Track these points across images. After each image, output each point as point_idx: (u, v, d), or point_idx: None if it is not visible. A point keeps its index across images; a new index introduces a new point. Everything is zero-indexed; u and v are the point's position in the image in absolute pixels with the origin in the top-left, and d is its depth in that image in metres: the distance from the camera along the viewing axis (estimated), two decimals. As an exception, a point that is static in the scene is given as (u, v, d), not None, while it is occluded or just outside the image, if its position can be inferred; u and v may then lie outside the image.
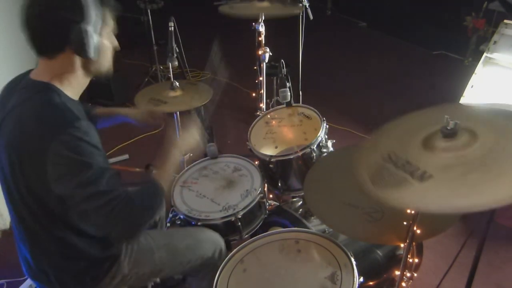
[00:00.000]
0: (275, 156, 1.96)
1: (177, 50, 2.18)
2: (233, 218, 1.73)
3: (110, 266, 1.42)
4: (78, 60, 1.26)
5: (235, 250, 1.52)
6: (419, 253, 1.80)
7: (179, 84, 2.21)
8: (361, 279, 1.39)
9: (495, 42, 2.39)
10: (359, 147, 1.20)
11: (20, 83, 1.30)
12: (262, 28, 2.30)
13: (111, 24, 1.29)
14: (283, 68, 2.16)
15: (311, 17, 2.78)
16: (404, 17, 5.09)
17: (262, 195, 1.84)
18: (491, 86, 2.38)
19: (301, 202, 2.02)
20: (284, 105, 2.19)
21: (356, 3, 5.83)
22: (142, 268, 1.50)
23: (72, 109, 1.23)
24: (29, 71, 1.32)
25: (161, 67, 4.07)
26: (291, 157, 1.93)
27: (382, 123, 1.23)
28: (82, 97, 1.37)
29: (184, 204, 1.81)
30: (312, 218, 1.82)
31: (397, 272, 1.44)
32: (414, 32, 4.97)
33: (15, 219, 1.35)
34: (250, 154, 2.06)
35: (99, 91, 3.88)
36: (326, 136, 2.02)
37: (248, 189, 1.85)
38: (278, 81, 2.17)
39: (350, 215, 1.40)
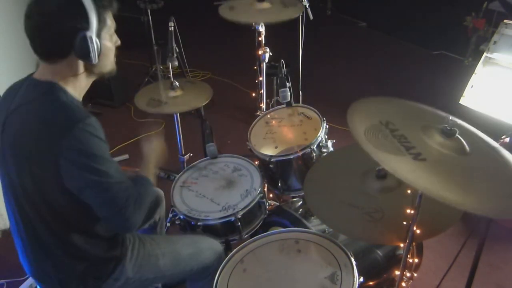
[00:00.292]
0: (275, 156, 1.96)
1: (177, 50, 2.18)
2: (233, 218, 1.73)
3: (114, 267, 1.42)
4: (81, 64, 1.27)
5: (235, 250, 1.52)
6: (419, 253, 1.80)
7: (179, 84, 2.20)
8: (361, 279, 1.39)
9: (495, 42, 2.39)
10: (360, 101, 1.21)
11: (24, 83, 1.31)
12: (262, 28, 2.30)
13: (112, 24, 1.30)
14: (283, 68, 2.16)
15: (311, 17, 2.78)
16: (404, 17, 5.08)
17: (262, 195, 1.84)
18: (491, 86, 2.38)
19: (301, 202, 2.02)
20: (284, 105, 2.19)
21: (356, 3, 5.82)
22: (146, 273, 1.51)
23: (80, 106, 1.26)
24: (30, 74, 1.32)
25: (161, 67, 4.07)
26: (291, 157, 1.93)
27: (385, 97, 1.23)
28: (83, 97, 1.37)
29: (184, 204, 1.81)
30: (312, 218, 1.82)
31: (397, 272, 1.43)
32: (414, 32, 4.96)
33: (17, 219, 1.35)
34: (250, 154, 2.06)
35: (99, 91, 3.87)
36: (326, 136, 2.02)
37: (248, 189, 1.85)
38: (278, 81, 2.17)
39: (350, 215, 1.40)
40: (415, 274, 1.77)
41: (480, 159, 1.07)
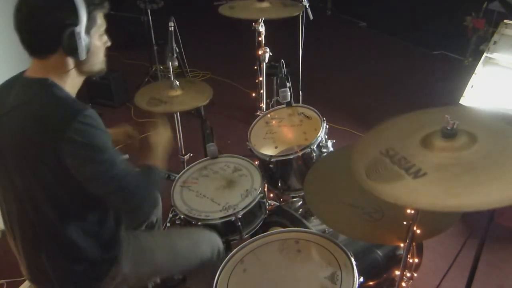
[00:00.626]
0: (275, 156, 1.96)
1: (177, 50, 2.18)
2: (233, 218, 1.73)
3: (110, 266, 1.42)
4: (70, 61, 1.27)
5: (235, 250, 1.52)
6: (419, 253, 1.80)
7: (179, 83, 2.20)
8: (361, 279, 1.39)
9: (495, 42, 2.39)
10: (359, 139, 1.22)
11: (16, 82, 1.30)
12: (262, 28, 2.30)
13: (102, 24, 1.30)
14: (283, 68, 2.16)
15: (311, 17, 2.78)
16: (404, 17, 5.09)
17: (262, 195, 1.84)
18: (491, 86, 2.38)
19: (301, 202, 2.02)
20: (284, 105, 2.19)
21: (356, 3, 5.83)
22: (142, 268, 1.50)
23: (76, 100, 1.26)
24: (22, 72, 1.32)
25: (161, 67, 4.07)
26: (291, 157, 1.93)
27: (382, 123, 1.24)
28: (83, 97, 1.37)
29: (184, 204, 1.81)
30: (312, 218, 1.82)
31: (397, 272, 1.44)
32: (414, 32, 4.97)
33: (15, 220, 1.35)
34: (250, 154, 2.06)
35: (99, 91, 3.88)
36: (326, 136, 2.02)
37: (248, 189, 1.85)
38: (278, 81, 2.17)
39: (350, 215, 1.40)
40: (415, 274, 1.77)
41: (490, 141, 1.05)
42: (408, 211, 1.25)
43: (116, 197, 1.28)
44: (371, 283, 1.65)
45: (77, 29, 1.19)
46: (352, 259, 1.41)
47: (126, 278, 1.46)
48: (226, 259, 1.49)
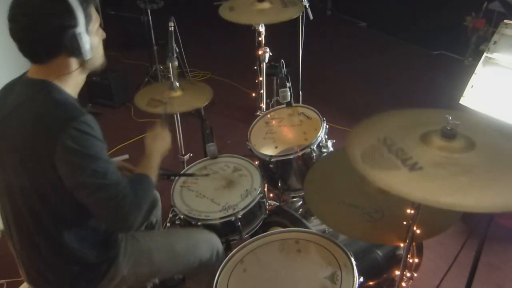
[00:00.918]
0: (275, 156, 1.96)
1: (177, 50, 2.18)
2: (233, 218, 1.73)
3: (108, 268, 1.42)
4: (74, 62, 1.26)
5: (235, 250, 1.52)
6: (419, 253, 1.80)
7: (179, 84, 2.20)
8: (361, 279, 1.39)
9: (495, 42, 2.38)
10: (359, 124, 1.23)
11: (17, 83, 1.30)
12: (262, 28, 2.30)
13: (97, 18, 1.29)
14: (283, 68, 2.16)
15: (311, 17, 2.78)
16: (404, 17, 5.08)
17: (262, 195, 1.84)
18: (491, 86, 2.38)
19: (301, 202, 2.02)
20: (284, 105, 2.19)
21: (356, 3, 5.82)
22: (140, 269, 1.50)
23: (75, 104, 1.25)
24: (24, 73, 1.31)
25: (161, 67, 4.07)
26: (291, 157, 1.93)
27: (384, 113, 1.24)
28: (83, 97, 1.37)
29: (184, 204, 1.81)
30: (312, 218, 1.82)
31: (397, 272, 1.43)
32: (414, 32, 4.96)
33: (11, 222, 1.34)
34: (250, 154, 2.06)
35: (99, 91, 3.87)
36: (326, 136, 2.02)
37: (248, 189, 1.85)
38: (278, 81, 2.17)
39: (350, 215, 1.40)
40: (415, 274, 1.77)
41: (488, 151, 1.07)
42: (408, 211, 1.25)
43: (101, 208, 1.25)
44: (371, 283, 1.65)
45: (78, 30, 1.19)
46: (352, 259, 1.41)
47: (124, 279, 1.46)
48: (226, 259, 1.49)
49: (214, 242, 1.66)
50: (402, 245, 1.30)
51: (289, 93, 2.13)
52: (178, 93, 2.15)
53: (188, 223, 1.77)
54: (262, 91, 2.57)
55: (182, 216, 1.77)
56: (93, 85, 3.83)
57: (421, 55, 4.81)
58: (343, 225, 1.40)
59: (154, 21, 3.78)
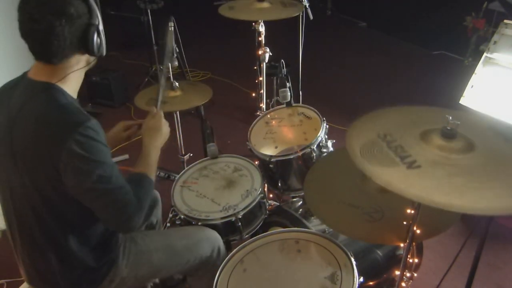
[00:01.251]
0: (275, 156, 1.96)
1: (177, 50, 2.18)
2: (233, 218, 1.73)
3: (107, 270, 1.42)
4: (83, 59, 1.26)
5: (235, 250, 1.52)
6: (419, 253, 1.80)
7: (179, 84, 2.20)
8: (361, 279, 1.39)
9: (495, 42, 2.38)
10: (359, 118, 1.24)
11: (19, 84, 1.29)
12: (262, 28, 2.30)
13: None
14: (283, 68, 2.16)
15: (311, 17, 2.78)
16: (404, 17, 5.09)
17: (262, 195, 1.84)
18: (491, 86, 2.38)
19: (301, 202, 2.02)
20: (284, 105, 2.19)
21: (356, 3, 5.83)
22: (140, 270, 1.50)
23: (80, 108, 1.24)
24: (25, 73, 1.29)
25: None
26: (291, 157, 1.93)
27: (385, 108, 1.24)
28: (83, 97, 1.36)
29: (184, 204, 1.81)
30: (312, 218, 1.82)
31: (397, 272, 1.43)
32: (414, 32, 4.97)
33: (14, 222, 1.34)
34: (250, 154, 2.06)
35: (99, 91, 3.88)
36: (326, 136, 2.02)
37: (248, 189, 1.85)
38: (278, 81, 2.17)
39: (350, 215, 1.40)
40: (415, 274, 1.77)
41: (487, 153, 1.07)
42: (408, 211, 1.25)
43: (105, 211, 1.26)
44: (371, 283, 1.65)
45: (99, 27, 1.20)
46: (352, 259, 1.41)
47: (124, 280, 1.46)
48: (226, 259, 1.49)
49: (215, 239, 1.66)
50: (402, 245, 1.30)
51: (289, 93, 2.13)
52: (178, 93, 2.15)
53: (188, 223, 1.77)
54: (262, 91, 2.57)
55: (182, 216, 1.77)
56: (93, 85, 3.84)
57: (421, 55, 4.81)
58: (343, 225, 1.40)
59: (154, 21, 3.79)
